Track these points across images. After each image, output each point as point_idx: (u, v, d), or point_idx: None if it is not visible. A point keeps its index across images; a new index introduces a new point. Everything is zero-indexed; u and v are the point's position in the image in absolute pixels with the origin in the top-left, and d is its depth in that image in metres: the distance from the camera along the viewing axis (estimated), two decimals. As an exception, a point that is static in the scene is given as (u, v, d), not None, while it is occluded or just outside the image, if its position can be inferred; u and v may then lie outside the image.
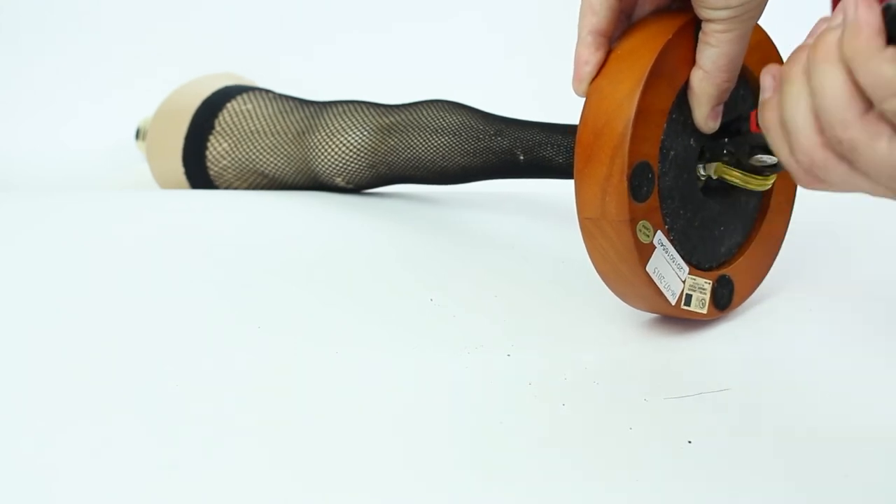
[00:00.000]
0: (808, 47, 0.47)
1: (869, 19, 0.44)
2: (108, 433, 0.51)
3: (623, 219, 0.56)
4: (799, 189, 0.66)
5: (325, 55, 1.26)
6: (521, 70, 1.25)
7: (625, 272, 0.58)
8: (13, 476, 0.47)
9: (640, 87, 0.55)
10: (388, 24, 1.28)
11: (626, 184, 0.55)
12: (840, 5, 0.46)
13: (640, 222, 0.56)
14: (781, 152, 0.49)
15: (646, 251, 0.57)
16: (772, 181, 0.61)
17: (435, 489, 0.47)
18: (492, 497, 0.46)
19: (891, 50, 0.43)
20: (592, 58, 0.57)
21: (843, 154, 0.46)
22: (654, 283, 0.58)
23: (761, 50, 0.62)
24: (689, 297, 0.60)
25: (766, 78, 0.50)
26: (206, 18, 1.24)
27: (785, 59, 0.52)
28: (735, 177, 0.60)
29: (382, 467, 0.48)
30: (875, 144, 0.44)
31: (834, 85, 0.45)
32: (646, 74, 0.55)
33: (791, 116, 0.47)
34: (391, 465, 0.48)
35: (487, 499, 0.46)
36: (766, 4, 0.56)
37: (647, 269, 0.57)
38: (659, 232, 0.58)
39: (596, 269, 0.59)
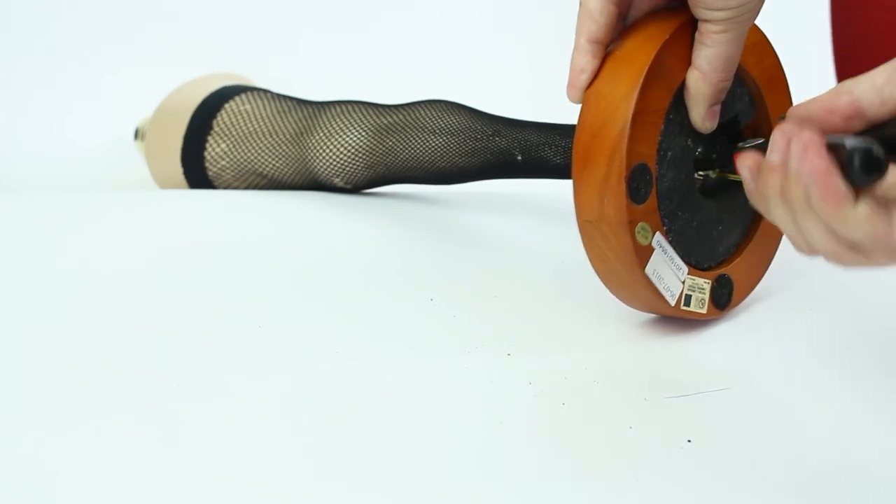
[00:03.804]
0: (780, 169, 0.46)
1: (826, 178, 0.43)
2: (109, 433, 0.51)
3: (621, 221, 0.56)
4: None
5: (323, 54, 1.26)
6: (520, 69, 1.25)
7: (623, 274, 0.58)
8: (12, 476, 0.47)
9: (638, 89, 0.55)
10: (387, 22, 1.28)
11: (624, 186, 0.55)
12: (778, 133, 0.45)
13: (639, 224, 0.56)
14: (787, 228, 0.47)
15: (644, 253, 0.57)
16: None
17: (435, 489, 0.47)
18: (492, 497, 0.46)
19: (862, 206, 0.43)
20: (589, 66, 0.57)
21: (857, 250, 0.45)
22: (653, 285, 0.58)
23: (758, 51, 0.62)
24: (688, 297, 0.60)
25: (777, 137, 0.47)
26: (206, 16, 1.24)
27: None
28: (735, 175, 0.60)
29: (382, 467, 0.48)
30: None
31: (821, 237, 0.45)
32: (643, 76, 0.55)
33: (803, 225, 0.46)
34: (391, 464, 0.48)
35: (487, 499, 0.46)
36: (762, 5, 0.55)
37: (646, 270, 0.57)
38: (657, 233, 0.58)
39: (595, 270, 0.59)
